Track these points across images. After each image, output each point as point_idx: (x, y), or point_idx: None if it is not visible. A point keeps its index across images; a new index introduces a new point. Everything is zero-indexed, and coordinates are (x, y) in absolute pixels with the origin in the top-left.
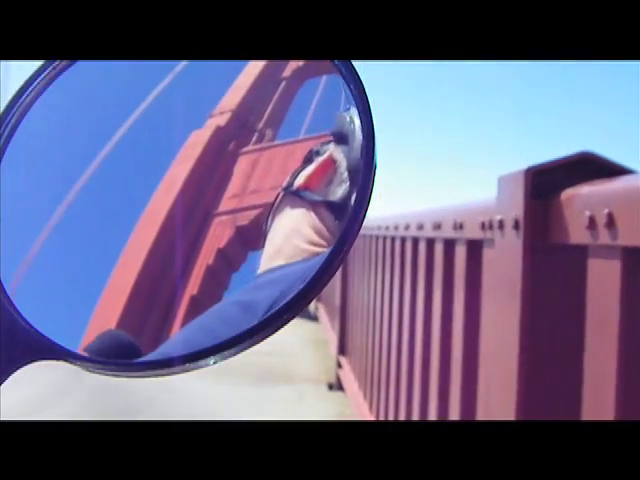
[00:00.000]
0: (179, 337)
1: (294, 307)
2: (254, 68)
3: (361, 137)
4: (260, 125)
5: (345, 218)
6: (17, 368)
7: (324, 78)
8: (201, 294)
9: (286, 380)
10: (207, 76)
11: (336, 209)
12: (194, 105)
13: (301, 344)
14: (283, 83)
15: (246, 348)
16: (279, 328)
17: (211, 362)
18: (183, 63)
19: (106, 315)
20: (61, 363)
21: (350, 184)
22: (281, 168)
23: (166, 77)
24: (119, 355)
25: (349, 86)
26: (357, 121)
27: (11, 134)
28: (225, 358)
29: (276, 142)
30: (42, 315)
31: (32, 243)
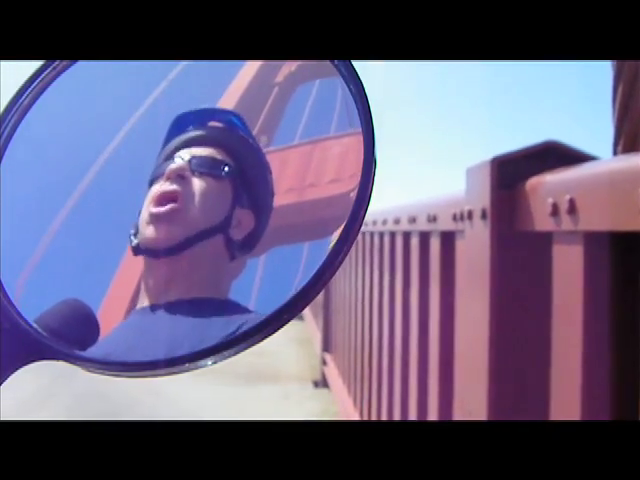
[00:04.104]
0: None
1: (294, 307)
2: (246, 74)
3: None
4: (255, 131)
5: (345, 217)
6: (17, 368)
7: (316, 83)
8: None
9: (272, 379)
10: (205, 78)
11: None
12: (195, 105)
13: (286, 343)
14: (276, 88)
15: (245, 348)
16: (279, 328)
17: (210, 362)
18: (180, 65)
19: (109, 317)
20: (61, 363)
21: None
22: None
23: (164, 78)
24: (79, 326)
25: (349, 86)
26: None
27: (11, 134)
28: (225, 358)
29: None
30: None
31: (32, 245)
